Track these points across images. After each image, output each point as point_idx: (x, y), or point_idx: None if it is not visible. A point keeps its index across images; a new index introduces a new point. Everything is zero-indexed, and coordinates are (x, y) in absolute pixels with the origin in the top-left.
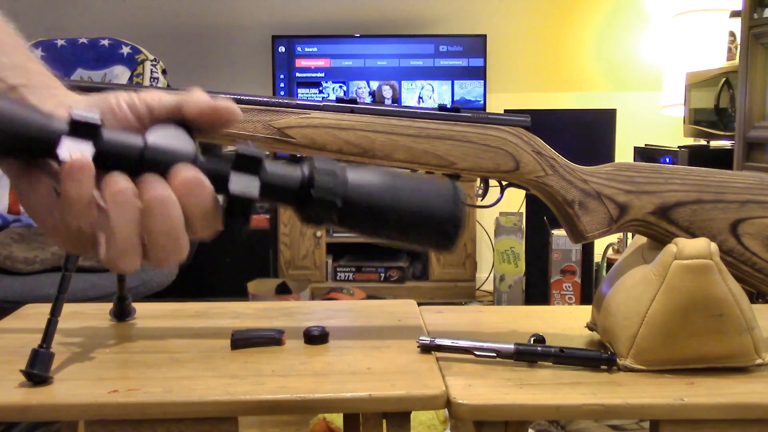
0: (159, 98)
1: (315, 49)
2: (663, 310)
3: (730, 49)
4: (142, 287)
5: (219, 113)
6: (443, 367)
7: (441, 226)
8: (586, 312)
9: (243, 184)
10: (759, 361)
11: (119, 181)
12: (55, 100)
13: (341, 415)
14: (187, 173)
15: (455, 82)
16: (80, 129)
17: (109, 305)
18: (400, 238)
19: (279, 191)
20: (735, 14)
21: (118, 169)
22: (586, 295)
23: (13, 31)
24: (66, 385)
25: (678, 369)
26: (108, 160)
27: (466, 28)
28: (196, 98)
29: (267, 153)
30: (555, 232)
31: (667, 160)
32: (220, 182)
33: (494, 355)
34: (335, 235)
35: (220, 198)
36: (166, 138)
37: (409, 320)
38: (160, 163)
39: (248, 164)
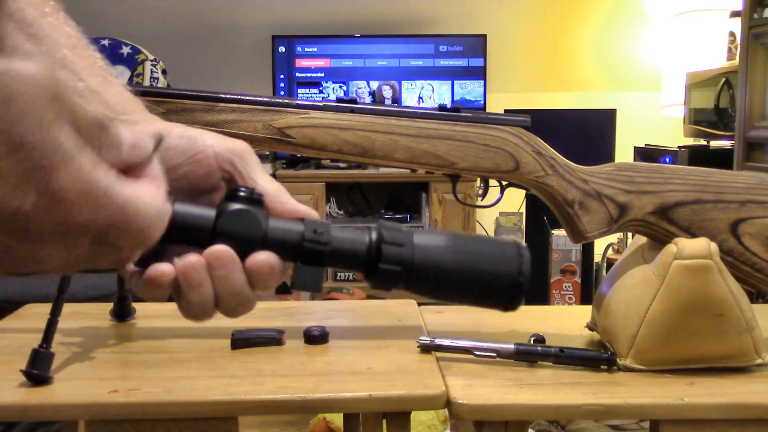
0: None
1: (315, 49)
2: (663, 310)
3: (730, 49)
4: None
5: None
6: (443, 367)
7: (505, 289)
8: (586, 312)
9: (309, 263)
10: (759, 361)
11: (191, 259)
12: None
13: (341, 415)
14: (259, 258)
15: (455, 82)
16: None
17: (109, 305)
18: (464, 300)
19: (345, 261)
20: (735, 14)
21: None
22: (586, 295)
23: (87, 49)
24: (66, 385)
25: (678, 369)
26: (183, 236)
27: (466, 28)
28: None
29: (330, 222)
30: (555, 232)
31: (667, 160)
32: (288, 253)
33: (494, 355)
34: None
35: (289, 264)
36: (241, 219)
37: (409, 320)
38: (232, 240)
39: (316, 240)
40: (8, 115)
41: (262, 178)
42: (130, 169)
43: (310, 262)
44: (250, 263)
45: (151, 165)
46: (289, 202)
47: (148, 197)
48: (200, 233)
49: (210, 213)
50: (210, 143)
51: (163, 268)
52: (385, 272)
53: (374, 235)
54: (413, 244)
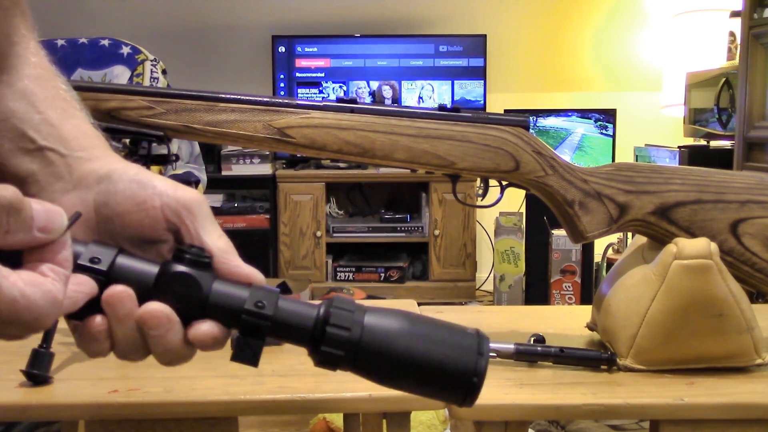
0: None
1: (315, 49)
2: (663, 310)
3: (730, 49)
4: None
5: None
6: None
7: (457, 387)
8: (586, 312)
9: (251, 328)
10: (759, 361)
11: (126, 308)
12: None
13: (341, 415)
14: (201, 329)
15: (455, 82)
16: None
17: None
18: (413, 392)
19: (288, 336)
20: (735, 14)
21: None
22: (586, 295)
23: (54, 80)
24: (66, 385)
25: (678, 369)
26: (119, 281)
27: (466, 28)
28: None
29: (279, 290)
30: (555, 232)
31: (667, 160)
32: (230, 321)
33: (494, 355)
34: (335, 235)
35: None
36: (183, 283)
37: None
38: (172, 301)
39: (257, 314)
40: None
41: (210, 234)
42: (35, 250)
43: (250, 335)
44: (193, 334)
45: (60, 244)
46: (235, 264)
47: (42, 291)
48: (140, 289)
49: (152, 270)
50: (160, 191)
51: (96, 320)
52: (327, 355)
53: (322, 312)
54: (362, 326)
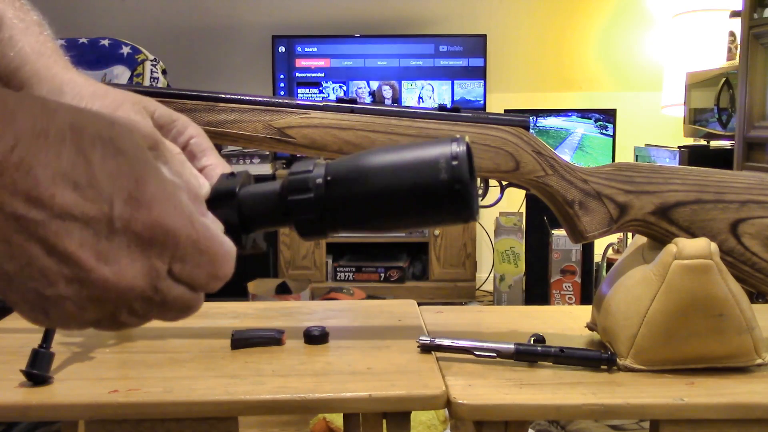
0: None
1: (315, 49)
2: (663, 310)
3: (730, 49)
4: None
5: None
6: (443, 367)
7: (441, 196)
8: (586, 312)
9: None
10: (759, 361)
11: None
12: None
13: (341, 415)
14: None
15: (455, 82)
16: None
17: None
18: (408, 221)
19: (259, 213)
20: (735, 14)
21: None
22: (586, 295)
23: (15, 15)
24: (66, 385)
25: (678, 369)
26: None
27: (466, 28)
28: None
29: (242, 182)
30: (555, 232)
31: (667, 160)
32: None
33: (494, 355)
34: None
35: None
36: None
37: (409, 320)
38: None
39: (223, 197)
40: None
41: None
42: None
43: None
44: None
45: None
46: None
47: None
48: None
49: (274, 187)
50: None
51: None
52: (301, 223)
53: (280, 185)
54: (324, 181)
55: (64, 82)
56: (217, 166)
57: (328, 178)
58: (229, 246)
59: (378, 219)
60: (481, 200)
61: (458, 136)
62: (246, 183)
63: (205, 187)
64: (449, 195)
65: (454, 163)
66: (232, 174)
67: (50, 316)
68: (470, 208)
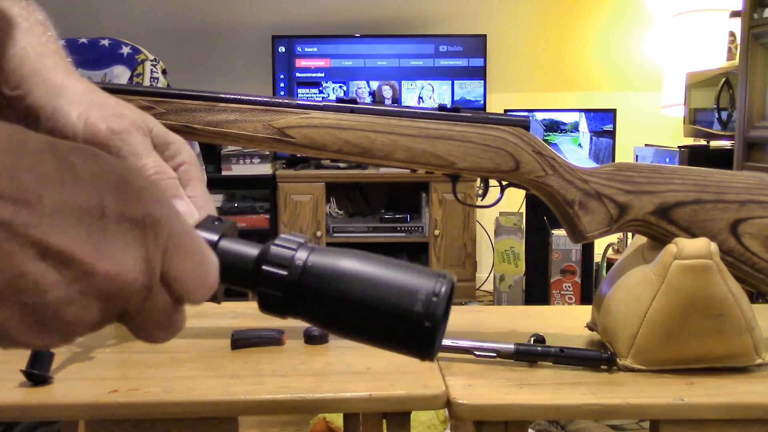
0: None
1: (315, 49)
2: (663, 310)
3: (730, 49)
4: None
5: None
6: (443, 367)
7: (405, 331)
8: (586, 312)
9: None
10: (759, 361)
11: None
12: (24, 107)
13: (341, 415)
14: None
15: (455, 82)
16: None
17: None
18: (368, 338)
19: (229, 274)
20: (735, 14)
21: None
22: (586, 295)
23: (18, 14)
24: (66, 385)
25: (678, 369)
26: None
27: (466, 28)
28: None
29: (226, 233)
30: (555, 232)
31: (667, 160)
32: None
33: (494, 355)
34: (335, 235)
35: None
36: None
37: None
38: None
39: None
40: None
41: (145, 158)
42: None
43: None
44: None
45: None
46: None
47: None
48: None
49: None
50: (73, 132)
51: None
52: (264, 295)
53: (260, 251)
54: (304, 265)
55: (63, 86)
56: (200, 198)
57: (309, 264)
58: (214, 257)
59: (339, 323)
60: (481, 200)
61: (447, 273)
62: (228, 234)
63: (194, 215)
64: (416, 328)
65: (433, 299)
66: (219, 219)
67: (46, 330)
68: (431, 348)
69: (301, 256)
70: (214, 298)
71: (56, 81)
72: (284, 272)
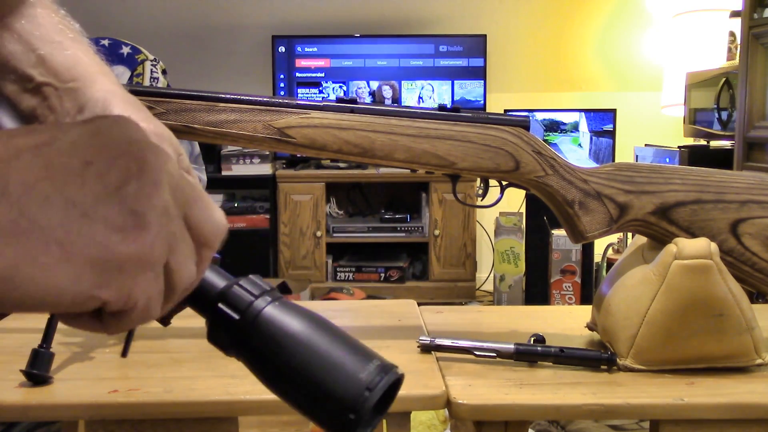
0: None
1: (315, 49)
2: (663, 310)
3: (730, 49)
4: None
5: None
6: (443, 367)
7: (331, 415)
8: (586, 312)
9: None
10: (759, 361)
11: None
12: (77, 100)
13: None
14: None
15: (455, 82)
16: None
17: None
18: (296, 403)
19: (190, 298)
20: (735, 14)
21: None
22: (586, 295)
23: (50, 15)
24: (66, 385)
25: (678, 369)
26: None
27: (466, 28)
28: None
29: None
30: (555, 232)
31: (667, 160)
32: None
33: (494, 355)
34: (335, 235)
35: None
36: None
37: (409, 320)
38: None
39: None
40: None
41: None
42: None
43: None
44: None
45: None
46: None
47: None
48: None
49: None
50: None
51: None
52: (213, 332)
53: (223, 287)
54: (257, 314)
55: (112, 91)
56: None
57: (262, 316)
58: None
59: (273, 381)
60: (481, 200)
61: (396, 368)
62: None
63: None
64: (340, 415)
65: (365, 393)
66: None
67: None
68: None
69: (259, 305)
70: (163, 321)
71: (106, 85)
72: (236, 316)
